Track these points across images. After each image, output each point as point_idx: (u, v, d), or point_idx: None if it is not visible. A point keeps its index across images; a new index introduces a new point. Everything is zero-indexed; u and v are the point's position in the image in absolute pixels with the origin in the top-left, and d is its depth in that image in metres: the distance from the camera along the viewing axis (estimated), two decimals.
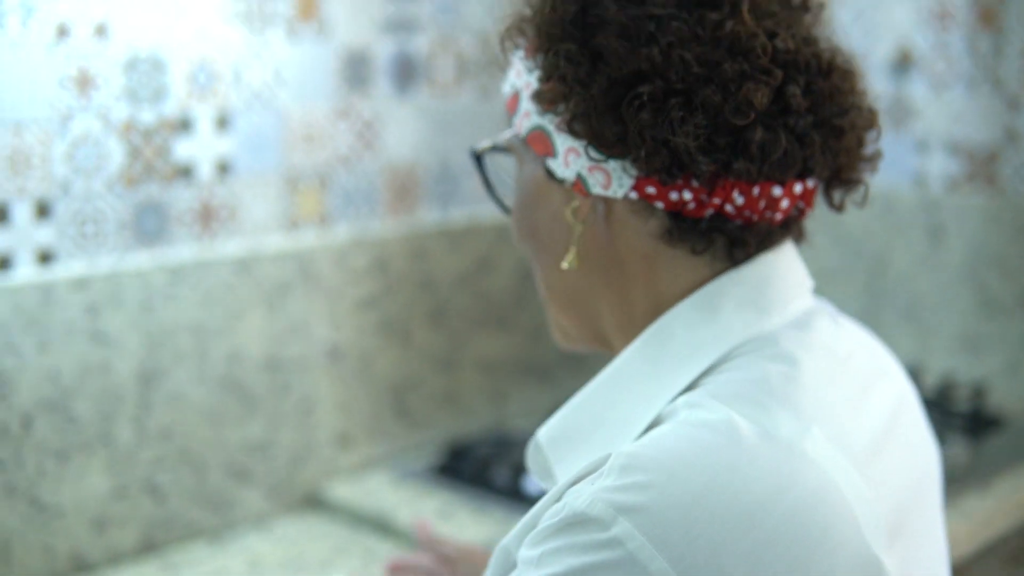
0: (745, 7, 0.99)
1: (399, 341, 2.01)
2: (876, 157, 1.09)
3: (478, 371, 2.14)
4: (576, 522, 0.88)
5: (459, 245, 2.08)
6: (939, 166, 2.39)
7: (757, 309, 1.02)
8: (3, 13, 1.54)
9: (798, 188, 1.03)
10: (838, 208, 1.10)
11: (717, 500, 0.86)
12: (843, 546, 0.90)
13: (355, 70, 1.92)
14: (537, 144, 1.06)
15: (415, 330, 2.03)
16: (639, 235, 1.04)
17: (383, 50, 1.95)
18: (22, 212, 1.59)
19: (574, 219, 1.05)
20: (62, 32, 1.60)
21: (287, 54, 1.83)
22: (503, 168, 1.18)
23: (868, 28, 2.46)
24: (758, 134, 0.98)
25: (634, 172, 1.01)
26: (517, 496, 1.85)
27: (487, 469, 1.91)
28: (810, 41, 1.03)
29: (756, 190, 1.00)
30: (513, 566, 0.96)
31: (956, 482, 1.89)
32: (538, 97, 1.04)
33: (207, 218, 1.77)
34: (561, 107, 1.02)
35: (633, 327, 1.06)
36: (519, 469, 1.86)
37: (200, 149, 1.75)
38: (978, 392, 2.21)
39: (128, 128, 1.67)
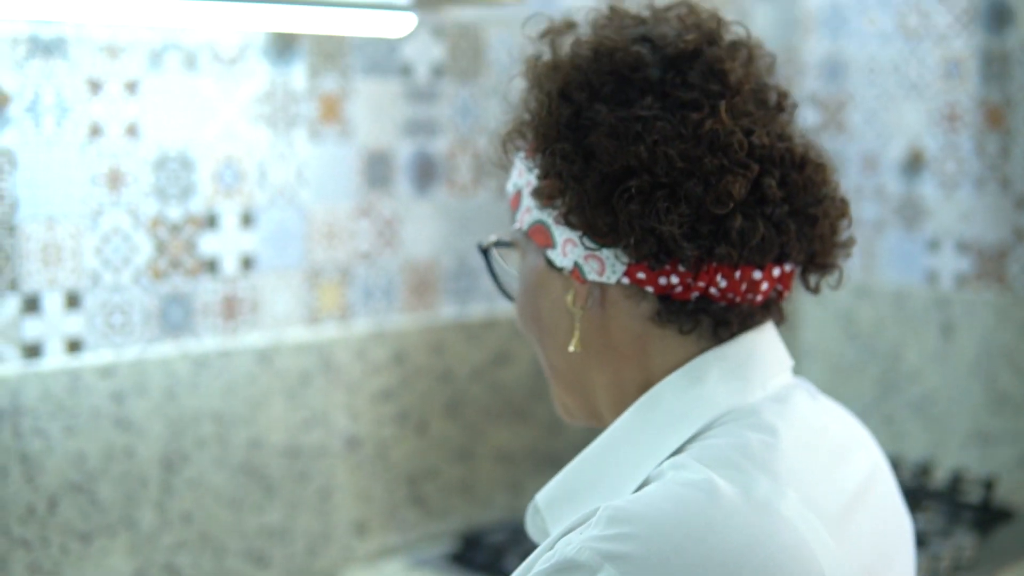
0: (723, 108, 1.07)
1: (416, 431, 2.07)
2: (849, 244, 1.17)
3: (494, 462, 2.19)
4: (566, 567, 0.95)
5: (476, 338, 2.14)
6: (950, 264, 2.45)
7: (739, 382, 1.10)
8: (39, 113, 1.63)
9: (776, 272, 1.11)
10: (814, 291, 1.18)
11: (695, 552, 0.93)
12: None
13: (376, 170, 2.00)
14: (538, 237, 1.15)
15: (432, 421, 2.09)
16: (632, 317, 1.12)
17: (403, 151, 2.03)
18: (53, 302, 1.67)
19: (573, 305, 1.13)
20: (95, 132, 1.68)
21: (311, 154, 1.91)
22: (509, 261, 1.26)
23: (880, 130, 2.53)
24: (737, 222, 1.05)
25: (625, 259, 1.09)
26: None
27: (501, 558, 1.95)
28: (784, 137, 1.11)
29: (738, 273, 1.08)
30: None
31: (965, 573, 1.92)
32: (537, 193, 1.13)
33: (231, 310, 1.84)
34: (559, 201, 1.11)
35: (625, 402, 1.14)
36: None
37: (225, 244, 1.83)
38: (987, 485, 2.24)
39: (156, 223, 1.75)
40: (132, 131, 1.72)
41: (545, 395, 2.20)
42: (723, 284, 1.08)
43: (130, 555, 1.73)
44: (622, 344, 1.13)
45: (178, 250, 1.78)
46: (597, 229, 1.08)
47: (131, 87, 1.71)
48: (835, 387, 2.61)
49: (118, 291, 1.73)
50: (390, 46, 1.99)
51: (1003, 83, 2.35)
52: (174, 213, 1.77)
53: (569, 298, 1.13)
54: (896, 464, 2.30)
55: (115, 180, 1.71)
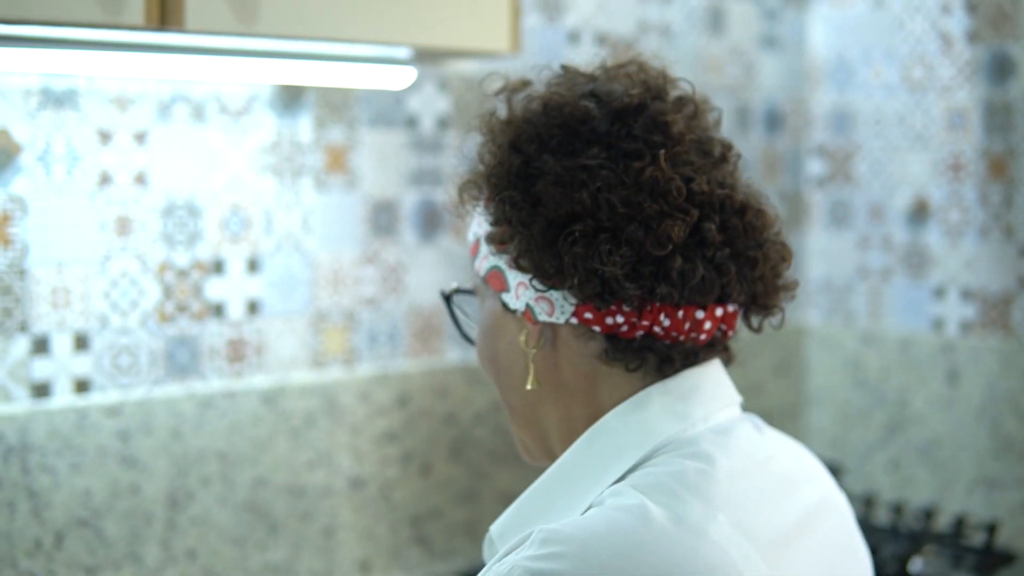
0: (663, 157, 1.14)
1: (420, 473, 2.12)
2: (792, 287, 1.23)
3: (498, 503, 2.23)
4: None
5: (480, 382, 2.19)
6: (955, 311, 2.48)
7: (679, 415, 1.16)
8: (50, 162, 1.71)
9: (719, 312, 1.17)
10: (756, 330, 1.24)
11: (622, 569, 0.99)
12: None
13: (382, 218, 2.06)
14: (494, 281, 1.22)
15: (436, 463, 2.14)
16: (581, 356, 1.19)
17: (408, 200, 2.10)
18: (62, 343, 1.74)
19: (526, 345, 1.20)
20: (104, 180, 1.76)
21: (317, 203, 1.98)
22: (471, 307, 1.34)
23: (886, 180, 2.57)
24: (677, 263, 1.12)
25: (573, 300, 1.16)
26: None
27: None
28: (726, 185, 1.18)
29: (680, 313, 1.15)
30: None
31: None
32: (490, 239, 1.22)
33: (236, 353, 1.91)
34: (510, 246, 1.19)
35: (575, 437, 1.20)
36: None
37: (231, 289, 1.90)
38: (990, 528, 2.26)
39: (163, 268, 1.82)
40: (140, 180, 1.79)
41: None
42: (666, 323, 1.15)
43: None
44: (572, 382, 1.20)
45: (185, 294, 1.85)
46: (544, 271, 1.15)
47: (140, 137, 1.79)
48: (842, 432, 2.64)
49: (125, 333, 1.80)
50: (395, 98, 2.06)
51: (1006, 134, 2.39)
52: (181, 259, 1.84)
53: (522, 338, 1.20)
54: (900, 508, 2.32)
55: (123, 226, 1.78)
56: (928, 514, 2.33)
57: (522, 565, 1.00)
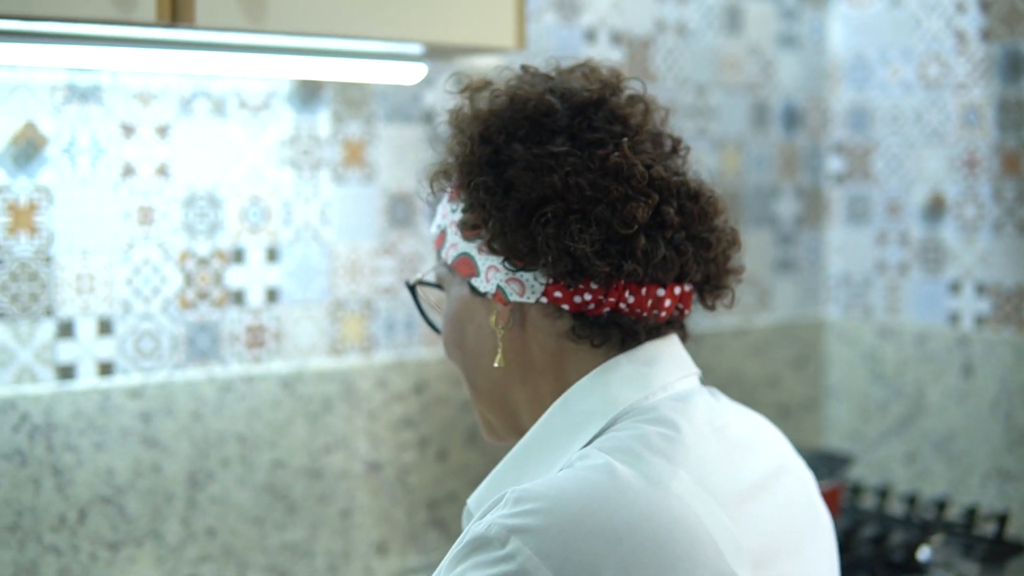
0: (625, 144, 1.23)
1: (437, 458, 2.18)
2: (739, 270, 1.32)
3: None
4: (477, 544, 1.08)
5: None
6: (970, 305, 2.51)
7: (640, 384, 1.23)
8: (75, 154, 1.79)
9: (677, 290, 1.25)
10: (710, 308, 1.32)
11: (592, 522, 1.05)
12: (704, 565, 1.07)
13: (399, 211, 2.13)
14: (462, 268, 1.30)
15: (452, 449, 2.20)
16: (548, 335, 1.27)
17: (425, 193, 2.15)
18: (86, 328, 1.82)
19: (496, 325, 1.27)
20: (127, 172, 1.84)
21: (334, 195, 2.05)
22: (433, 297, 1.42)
23: (903, 176, 2.61)
24: (642, 242, 1.20)
25: (544, 280, 1.24)
26: None
27: None
28: (680, 173, 1.27)
29: (644, 290, 1.23)
30: None
31: None
32: (463, 224, 1.29)
33: (256, 339, 1.98)
34: (483, 231, 1.26)
35: (543, 412, 1.27)
36: None
37: (250, 277, 1.97)
38: (1001, 519, 2.30)
39: (185, 257, 1.90)
40: (163, 171, 1.87)
41: None
42: (631, 300, 1.22)
43: (156, 565, 1.86)
44: (540, 360, 1.27)
45: (205, 282, 1.92)
46: (518, 252, 1.23)
47: (162, 131, 1.87)
48: (860, 424, 2.68)
49: (148, 319, 1.87)
50: (412, 94, 2.13)
51: (1019, 130, 2.42)
52: (202, 248, 1.91)
53: (492, 319, 1.27)
54: (914, 499, 2.36)
55: (146, 216, 1.86)
56: (941, 505, 2.37)
57: (499, 523, 1.07)
